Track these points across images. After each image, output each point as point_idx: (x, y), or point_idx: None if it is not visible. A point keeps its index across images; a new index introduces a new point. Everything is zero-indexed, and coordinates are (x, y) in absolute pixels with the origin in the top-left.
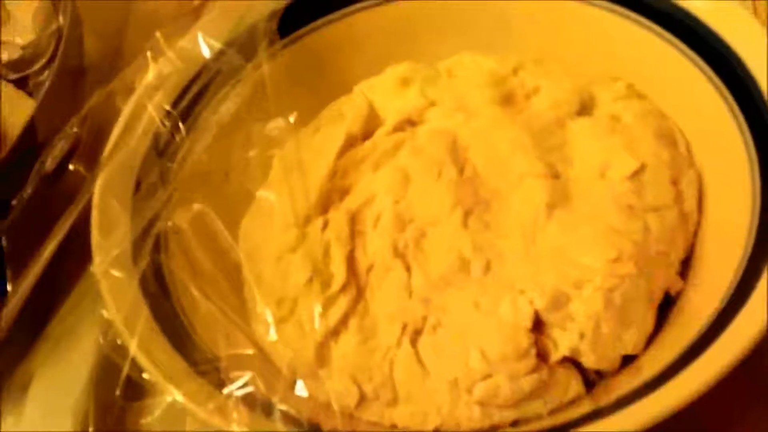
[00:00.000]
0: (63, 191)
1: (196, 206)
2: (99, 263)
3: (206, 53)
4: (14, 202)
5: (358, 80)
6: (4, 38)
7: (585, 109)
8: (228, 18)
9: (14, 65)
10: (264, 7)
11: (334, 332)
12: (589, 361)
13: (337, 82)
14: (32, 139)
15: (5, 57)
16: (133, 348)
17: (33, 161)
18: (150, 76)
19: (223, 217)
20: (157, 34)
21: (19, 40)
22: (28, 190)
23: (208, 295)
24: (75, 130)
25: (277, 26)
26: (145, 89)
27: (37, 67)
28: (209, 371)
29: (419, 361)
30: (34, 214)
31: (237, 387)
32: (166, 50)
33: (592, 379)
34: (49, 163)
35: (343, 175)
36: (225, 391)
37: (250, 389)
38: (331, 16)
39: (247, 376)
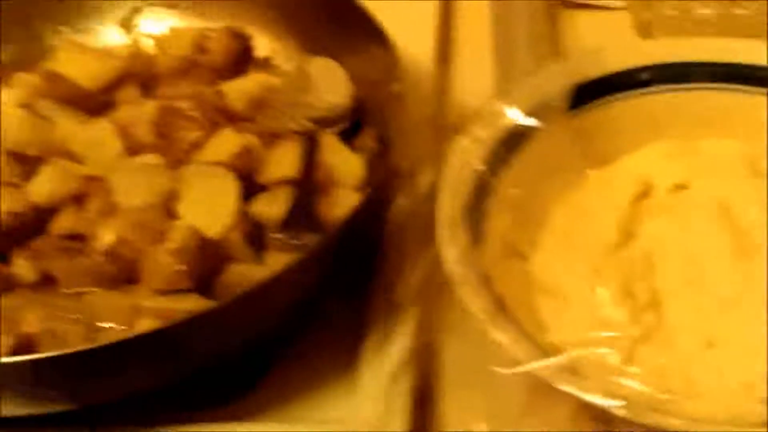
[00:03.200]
0: None
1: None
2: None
3: (511, 119)
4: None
5: (619, 155)
6: (307, 100)
7: None
8: (526, 94)
9: (322, 122)
10: (555, 87)
11: (639, 340)
12: None
13: (602, 154)
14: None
15: (311, 115)
16: None
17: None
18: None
19: None
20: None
21: (317, 102)
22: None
23: None
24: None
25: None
26: (466, 147)
27: (342, 125)
28: None
29: (715, 365)
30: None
31: None
32: (479, 118)
33: None
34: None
35: (631, 220)
36: None
37: None
38: (604, 99)
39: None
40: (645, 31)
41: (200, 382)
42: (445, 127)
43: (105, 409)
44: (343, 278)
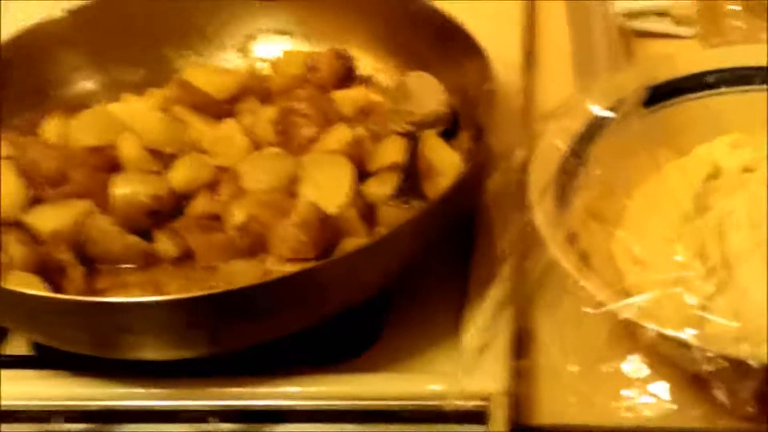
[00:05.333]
0: None
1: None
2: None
3: (593, 112)
4: None
5: (690, 148)
6: (407, 107)
7: None
8: (605, 92)
9: (421, 125)
10: (631, 86)
11: (715, 291)
12: None
13: (676, 147)
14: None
15: (411, 120)
16: None
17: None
18: (557, 124)
19: None
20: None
21: (416, 109)
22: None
23: None
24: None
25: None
26: (553, 134)
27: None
28: None
29: None
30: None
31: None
32: (565, 110)
33: None
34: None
35: (705, 197)
36: None
37: None
38: (676, 99)
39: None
40: None
41: (319, 343)
42: (533, 118)
43: (242, 359)
44: (446, 245)
